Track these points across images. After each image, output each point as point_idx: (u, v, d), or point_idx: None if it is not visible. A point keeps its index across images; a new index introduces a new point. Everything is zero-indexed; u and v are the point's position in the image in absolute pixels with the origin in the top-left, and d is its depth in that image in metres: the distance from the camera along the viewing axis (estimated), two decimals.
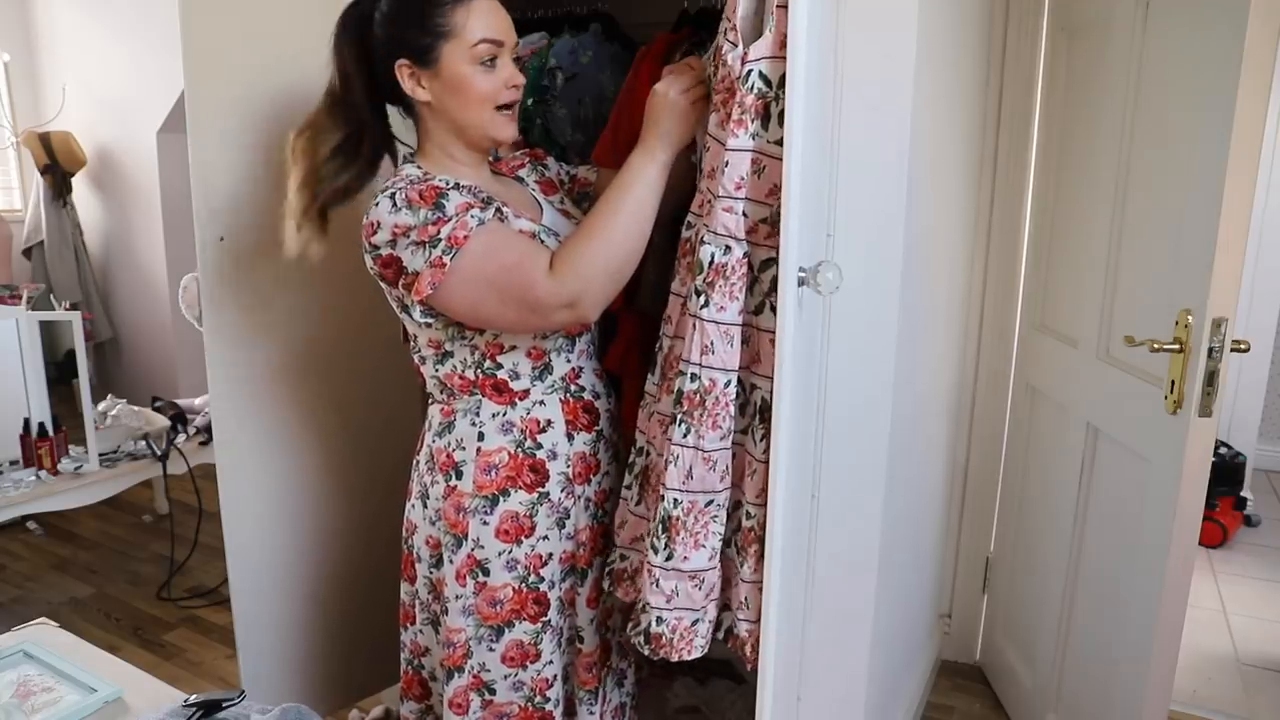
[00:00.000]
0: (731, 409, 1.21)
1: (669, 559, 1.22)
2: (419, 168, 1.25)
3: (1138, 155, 1.67)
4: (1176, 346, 1.46)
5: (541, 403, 1.29)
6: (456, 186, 1.19)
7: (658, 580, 1.23)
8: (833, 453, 1.46)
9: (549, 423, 1.30)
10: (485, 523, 1.27)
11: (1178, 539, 1.50)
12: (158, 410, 3.21)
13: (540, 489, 1.29)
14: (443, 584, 1.32)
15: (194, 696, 1.22)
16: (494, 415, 1.28)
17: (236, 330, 1.67)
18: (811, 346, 1.35)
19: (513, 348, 1.26)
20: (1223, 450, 3.36)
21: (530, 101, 1.87)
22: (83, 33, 4.28)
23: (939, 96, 1.69)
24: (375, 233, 1.16)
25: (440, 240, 1.13)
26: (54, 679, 1.34)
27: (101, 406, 3.08)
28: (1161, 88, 1.60)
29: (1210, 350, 1.42)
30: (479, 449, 1.27)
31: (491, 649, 1.30)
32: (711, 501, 1.24)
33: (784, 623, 1.27)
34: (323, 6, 1.32)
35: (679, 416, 1.20)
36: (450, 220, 1.13)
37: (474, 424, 1.28)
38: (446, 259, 1.13)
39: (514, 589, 1.29)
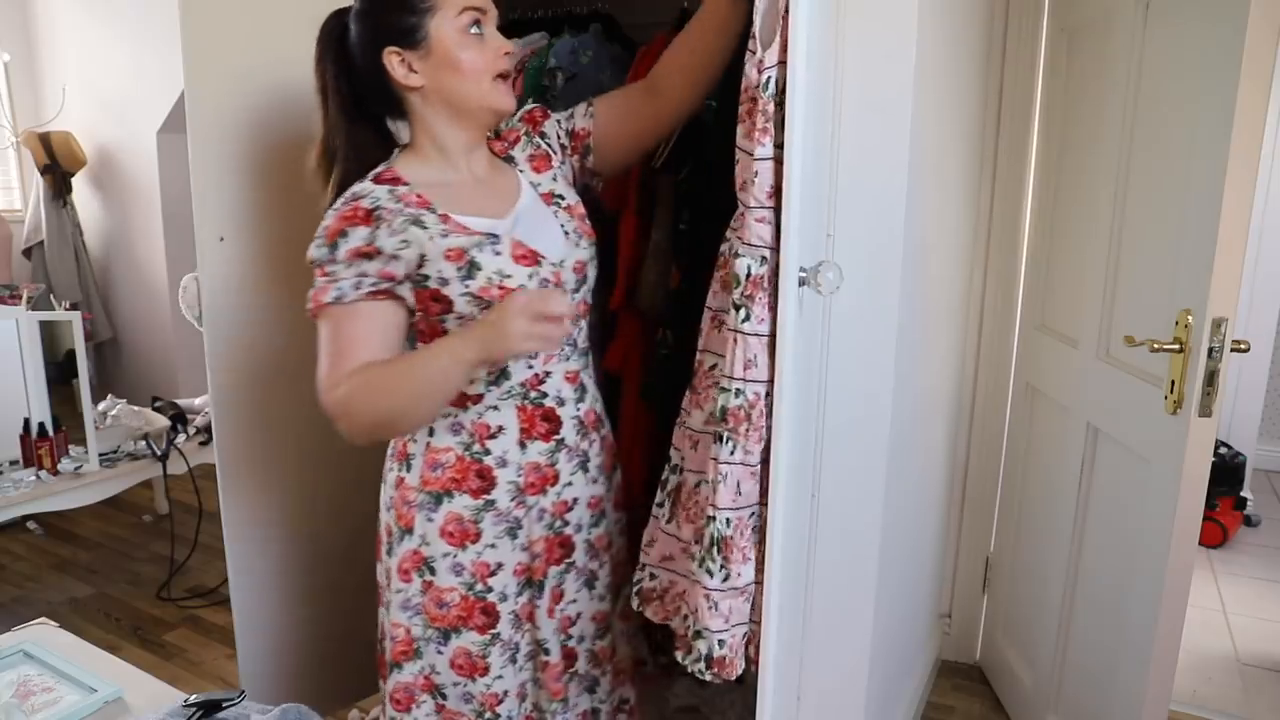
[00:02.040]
0: (769, 420, 1.20)
1: (725, 579, 1.21)
2: (379, 171, 1.24)
3: (1138, 155, 1.67)
4: (1176, 346, 1.46)
5: (495, 408, 1.26)
6: (373, 214, 1.17)
7: (715, 604, 1.21)
8: (833, 453, 1.46)
9: (500, 429, 1.26)
10: (430, 519, 1.25)
11: (1178, 539, 1.50)
12: (158, 410, 3.21)
13: (486, 495, 1.25)
14: (388, 573, 1.31)
15: (194, 696, 1.22)
16: (445, 415, 1.25)
17: (236, 330, 1.67)
18: (811, 346, 1.35)
19: None
20: (1223, 450, 3.35)
21: (530, 101, 1.87)
22: (83, 33, 4.28)
23: (939, 96, 1.69)
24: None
25: (315, 284, 1.18)
26: (54, 679, 1.34)
27: (101, 406, 3.08)
28: (1162, 88, 1.60)
29: (1210, 350, 1.42)
30: (429, 444, 1.26)
31: (440, 652, 1.28)
32: (753, 513, 1.23)
33: (784, 623, 1.27)
34: (322, 7, 1.32)
35: (725, 435, 1.18)
36: (329, 272, 1.16)
37: None
38: (308, 306, 1.19)
39: (461, 594, 1.26)
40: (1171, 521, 1.50)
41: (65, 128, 4.32)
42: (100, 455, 2.90)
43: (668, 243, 1.80)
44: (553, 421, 1.29)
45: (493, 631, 1.28)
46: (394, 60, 1.19)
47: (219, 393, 1.68)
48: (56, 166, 4.25)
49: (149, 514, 3.49)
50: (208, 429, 3.01)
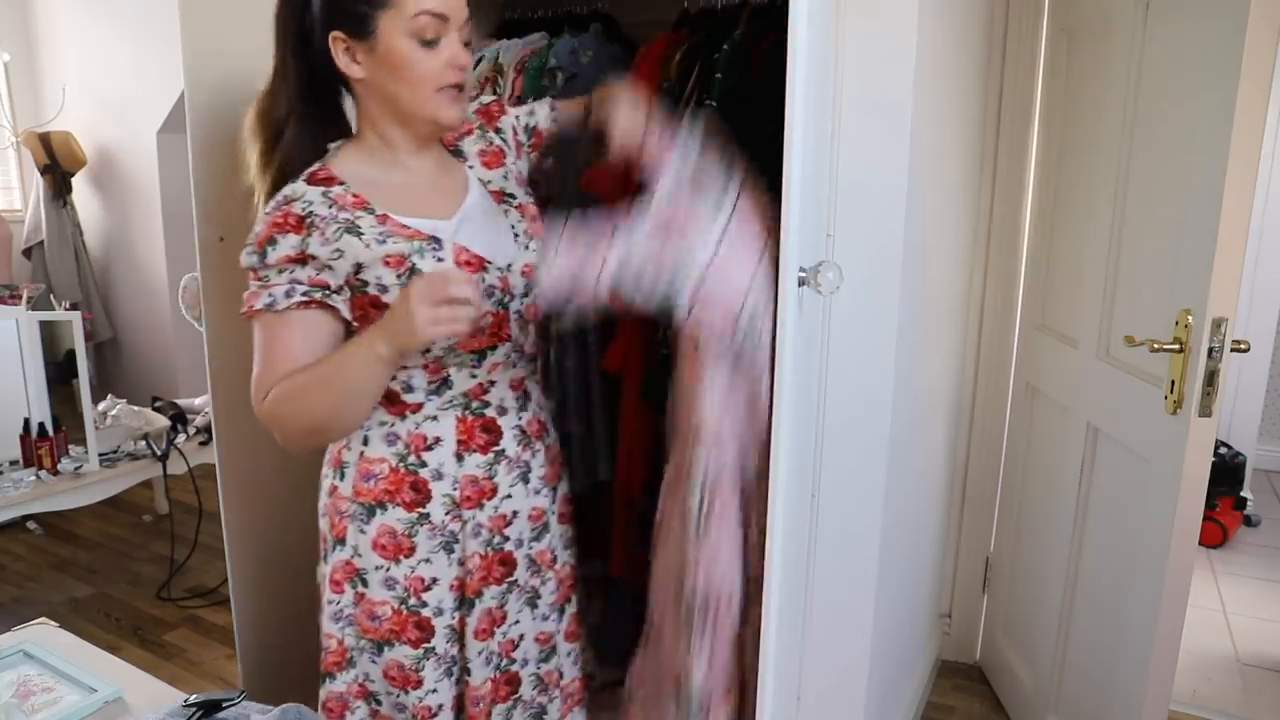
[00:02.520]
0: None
1: None
2: (313, 170, 1.17)
3: (1138, 155, 1.67)
4: (1176, 346, 1.46)
5: (434, 418, 1.20)
6: (305, 220, 1.11)
7: None
8: (833, 453, 1.46)
9: (437, 440, 1.20)
10: (363, 531, 1.20)
11: (1178, 539, 1.50)
12: (158, 410, 3.21)
13: (420, 509, 1.20)
14: (320, 581, 1.26)
15: (194, 696, 1.22)
16: (381, 423, 1.20)
17: (236, 330, 1.67)
18: (811, 346, 1.35)
19: (407, 363, 1.18)
20: (1223, 450, 3.35)
21: (531, 102, 1.87)
22: (83, 33, 4.28)
23: (939, 96, 1.69)
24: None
25: (249, 288, 1.14)
26: (54, 679, 1.34)
27: (101, 406, 3.08)
28: (1162, 87, 1.60)
29: (1210, 350, 1.42)
30: (362, 453, 1.21)
31: (374, 661, 1.24)
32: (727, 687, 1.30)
33: (784, 623, 1.27)
34: None
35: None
36: (261, 277, 1.13)
37: (362, 426, 1.21)
38: (242, 310, 1.15)
39: (393, 608, 1.21)
40: (1171, 521, 1.50)
41: (65, 128, 4.32)
42: (100, 455, 2.90)
43: None
44: (493, 432, 1.24)
45: (426, 646, 1.23)
46: (339, 46, 1.13)
47: (219, 393, 1.68)
48: (56, 166, 4.25)
49: (149, 514, 3.49)
50: (208, 429, 3.01)
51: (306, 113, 1.19)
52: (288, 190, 1.14)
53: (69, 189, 4.33)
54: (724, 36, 1.67)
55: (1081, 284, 1.88)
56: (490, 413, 1.23)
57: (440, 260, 1.15)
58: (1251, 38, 1.31)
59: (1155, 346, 1.47)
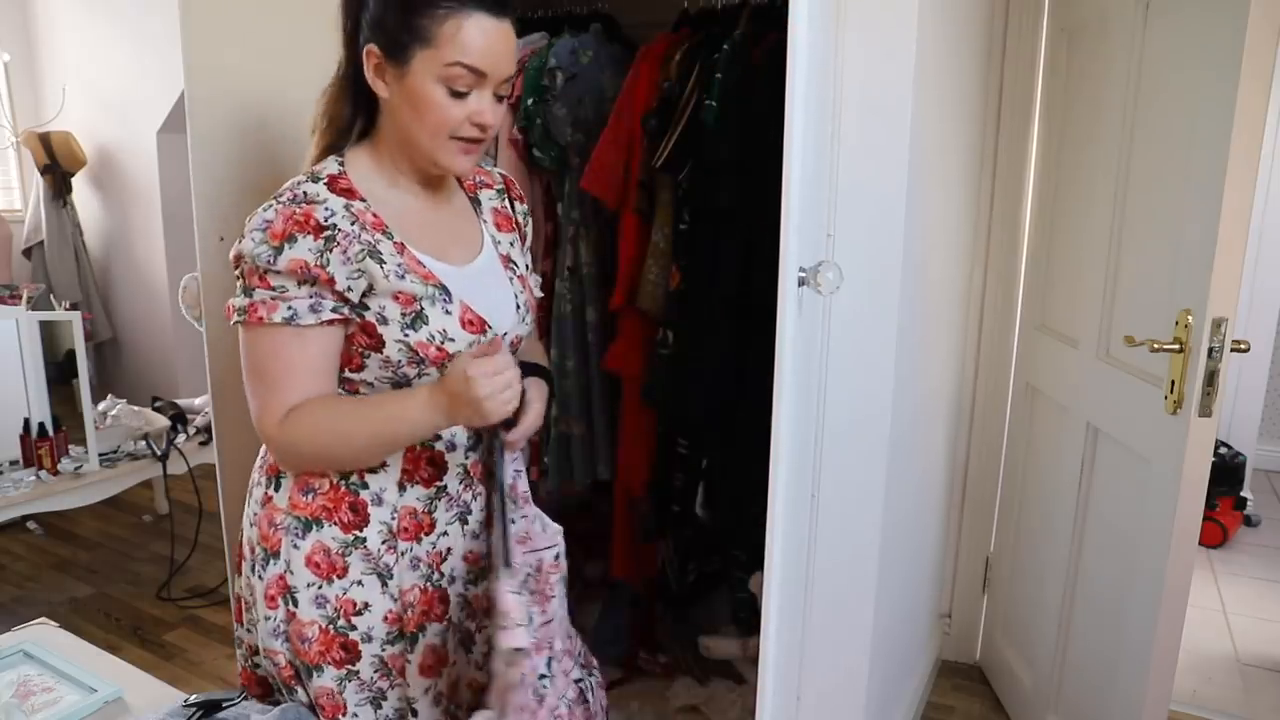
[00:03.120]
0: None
1: None
2: (333, 173, 1.12)
3: (1138, 155, 1.67)
4: (1176, 346, 1.46)
5: None
6: (325, 230, 1.05)
7: None
8: (833, 453, 1.46)
9: (383, 465, 1.16)
10: (297, 546, 1.14)
11: (1178, 539, 1.50)
12: (158, 410, 3.21)
13: (356, 531, 1.15)
14: (251, 593, 1.21)
15: (194, 696, 1.22)
16: None
17: (236, 330, 1.67)
18: (811, 346, 1.35)
19: (368, 384, 1.13)
20: (1223, 450, 3.36)
21: (530, 101, 1.87)
22: (83, 33, 4.28)
23: (939, 96, 1.69)
24: (241, 237, 1.09)
25: (250, 296, 1.06)
26: (54, 679, 1.34)
27: (101, 406, 3.08)
28: (1161, 87, 1.60)
29: (1210, 350, 1.42)
30: None
31: (308, 683, 1.19)
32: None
33: (784, 623, 1.27)
34: (321, 6, 1.32)
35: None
36: (274, 285, 1.05)
37: None
38: (235, 319, 1.08)
39: (320, 628, 1.15)
40: (1171, 521, 1.50)
41: (65, 128, 4.32)
42: (100, 455, 2.90)
43: (668, 243, 1.80)
44: (438, 466, 1.19)
45: (350, 668, 1.17)
46: (370, 60, 1.08)
47: (219, 393, 1.68)
48: (56, 166, 4.25)
49: (149, 514, 3.49)
50: (208, 429, 3.01)
51: (349, 109, 1.16)
52: (307, 189, 1.08)
53: (69, 189, 4.33)
54: (724, 36, 1.67)
55: (1081, 284, 1.88)
56: (440, 446, 1.18)
57: (448, 313, 1.11)
58: (1252, 37, 1.31)
59: (1155, 346, 1.47)
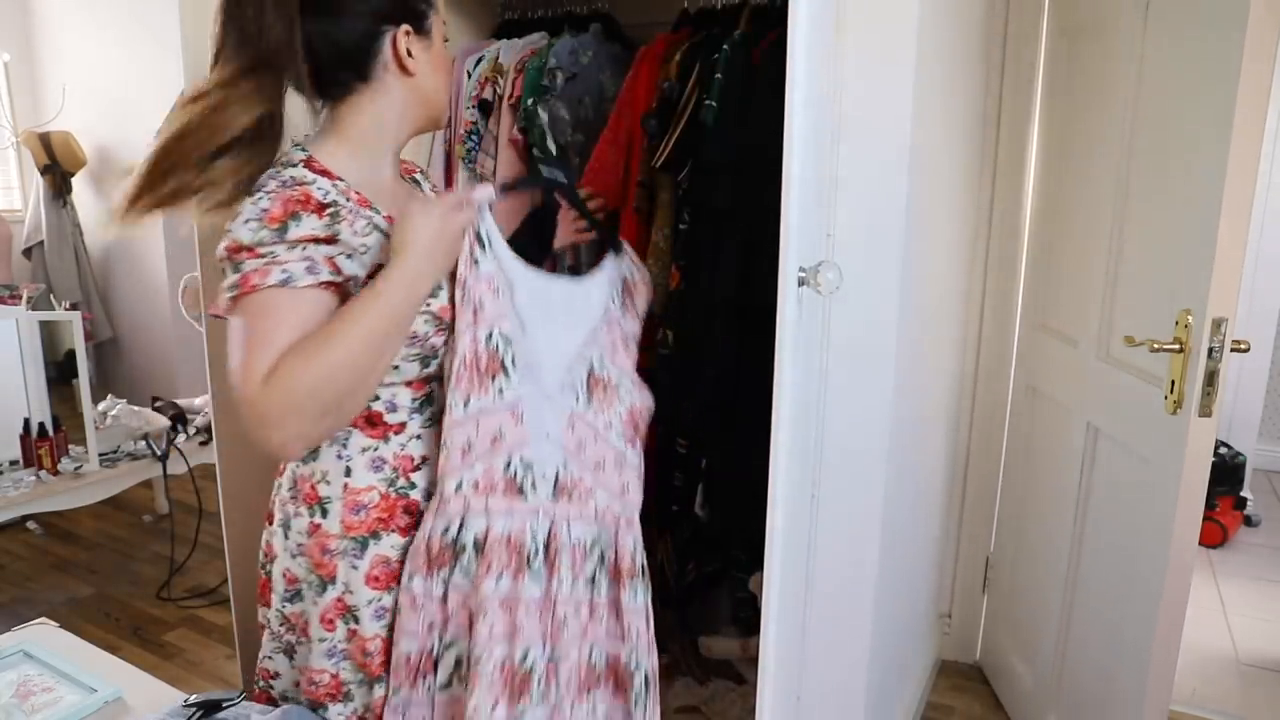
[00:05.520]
0: None
1: None
2: (305, 157, 1.08)
3: (1138, 155, 1.67)
4: (1176, 346, 1.46)
5: (418, 437, 1.16)
6: (328, 208, 1.04)
7: None
8: (833, 453, 1.46)
9: (424, 459, 1.16)
10: (355, 567, 1.14)
11: (1178, 539, 1.50)
12: (158, 410, 3.21)
13: (414, 532, 1.15)
14: (298, 619, 1.19)
15: (194, 696, 1.21)
16: (364, 450, 1.13)
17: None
18: (811, 346, 1.35)
19: (394, 367, 1.10)
20: (1223, 450, 3.36)
21: (530, 101, 1.87)
22: (83, 33, 4.28)
23: (940, 97, 1.69)
24: (224, 236, 1.03)
25: (240, 269, 1.00)
26: (54, 679, 1.34)
27: (101, 406, 3.08)
28: (1162, 88, 1.60)
29: (1210, 350, 1.42)
30: (346, 485, 1.13)
31: (368, 698, 1.19)
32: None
33: (784, 622, 1.27)
34: None
35: None
36: (264, 253, 1.00)
37: (340, 457, 1.13)
38: (228, 295, 1.01)
39: (383, 639, 1.16)
40: (1171, 521, 1.50)
41: (65, 128, 4.32)
42: (100, 455, 2.90)
43: (667, 243, 1.80)
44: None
45: None
46: (403, 41, 1.10)
47: (219, 393, 1.68)
48: (56, 166, 4.26)
49: (149, 514, 3.48)
50: (208, 429, 3.01)
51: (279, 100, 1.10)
52: (292, 173, 1.04)
53: (69, 189, 4.33)
54: (724, 36, 1.67)
55: (1082, 284, 1.88)
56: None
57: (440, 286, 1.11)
58: (1251, 39, 1.31)
59: (1155, 346, 1.47)
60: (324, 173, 1.08)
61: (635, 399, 1.26)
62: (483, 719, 1.12)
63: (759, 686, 1.22)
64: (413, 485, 1.15)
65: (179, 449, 3.04)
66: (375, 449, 1.13)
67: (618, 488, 1.24)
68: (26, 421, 2.76)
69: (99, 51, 4.23)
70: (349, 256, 1.05)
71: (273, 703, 1.29)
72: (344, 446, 1.13)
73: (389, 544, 1.14)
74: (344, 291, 1.04)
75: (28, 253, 4.38)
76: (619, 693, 1.25)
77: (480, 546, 1.15)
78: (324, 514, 1.14)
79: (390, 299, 1.03)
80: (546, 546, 1.19)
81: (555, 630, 1.19)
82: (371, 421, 1.13)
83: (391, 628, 1.16)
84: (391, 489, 1.14)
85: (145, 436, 3.06)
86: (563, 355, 1.21)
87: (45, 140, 4.22)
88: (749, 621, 2.11)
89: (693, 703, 2.14)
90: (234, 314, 1.03)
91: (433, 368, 1.14)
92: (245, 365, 0.99)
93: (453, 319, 1.11)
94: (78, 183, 4.38)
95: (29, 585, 2.96)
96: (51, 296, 3.58)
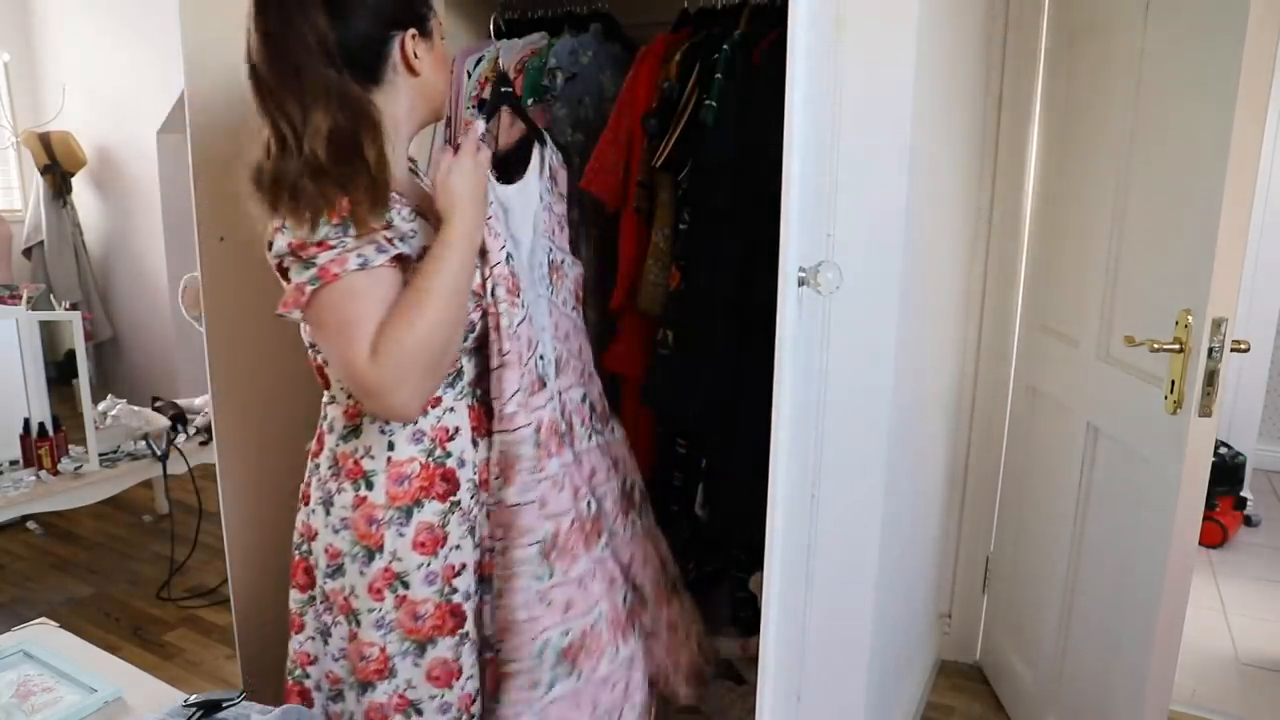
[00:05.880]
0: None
1: (551, 576, 1.30)
2: None
3: (1138, 155, 1.67)
4: (1176, 346, 1.46)
5: (451, 409, 1.24)
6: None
7: (550, 600, 1.30)
8: (833, 453, 1.46)
9: (457, 430, 1.24)
10: (401, 534, 1.21)
11: (1178, 539, 1.50)
12: (158, 410, 3.21)
13: (452, 498, 1.24)
14: (340, 595, 1.25)
15: (194, 696, 1.22)
16: (404, 424, 1.21)
17: (236, 330, 1.67)
18: (811, 346, 1.35)
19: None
20: (1223, 450, 3.36)
21: (530, 101, 1.87)
22: (83, 33, 4.28)
23: (940, 96, 1.69)
24: (277, 234, 1.09)
25: (314, 264, 1.07)
26: (54, 679, 1.34)
27: (101, 406, 3.08)
28: (1162, 88, 1.60)
29: (1210, 350, 1.42)
30: (390, 458, 1.21)
31: (417, 664, 1.25)
32: (572, 518, 1.34)
33: (784, 622, 1.27)
34: None
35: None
36: (334, 245, 1.07)
37: (383, 431, 1.21)
38: (309, 288, 1.08)
39: (435, 603, 1.24)
40: (1171, 521, 1.50)
41: (65, 128, 4.32)
42: (100, 455, 2.90)
43: (667, 243, 1.80)
44: (493, 419, 1.28)
45: (461, 631, 1.27)
46: (409, 44, 1.18)
47: (219, 393, 1.68)
48: (56, 166, 4.26)
49: (149, 514, 3.48)
50: (208, 429, 3.01)
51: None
52: None
53: (69, 189, 4.33)
54: (724, 36, 1.67)
55: (1082, 284, 1.88)
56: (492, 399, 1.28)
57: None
58: (1252, 38, 1.31)
59: (1155, 346, 1.47)
60: None
61: (575, 270, 1.49)
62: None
63: (759, 686, 1.22)
64: (448, 454, 1.23)
65: (179, 449, 3.04)
66: (415, 423, 1.21)
67: (578, 348, 1.47)
68: (26, 421, 2.76)
69: (99, 51, 4.23)
70: (401, 239, 1.14)
71: (305, 694, 1.35)
72: (385, 422, 1.21)
73: (431, 510, 1.22)
74: (406, 269, 1.14)
75: (28, 253, 4.38)
76: (630, 509, 1.53)
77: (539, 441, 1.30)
78: (369, 486, 1.21)
79: (460, 250, 1.14)
80: (567, 418, 1.38)
81: (589, 479, 1.41)
82: None
83: (440, 591, 1.24)
84: (430, 459, 1.22)
85: (145, 436, 3.06)
86: (530, 251, 1.36)
87: (45, 140, 4.22)
88: (749, 621, 2.11)
89: (693, 703, 2.14)
90: (312, 306, 1.09)
91: (469, 342, 1.23)
92: (351, 352, 1.08)
93: (482, 285, 1.21)
94: (78, 183, 4.38)
95: (29, 585, 2.96)
96: (51, 296, 3.58)
